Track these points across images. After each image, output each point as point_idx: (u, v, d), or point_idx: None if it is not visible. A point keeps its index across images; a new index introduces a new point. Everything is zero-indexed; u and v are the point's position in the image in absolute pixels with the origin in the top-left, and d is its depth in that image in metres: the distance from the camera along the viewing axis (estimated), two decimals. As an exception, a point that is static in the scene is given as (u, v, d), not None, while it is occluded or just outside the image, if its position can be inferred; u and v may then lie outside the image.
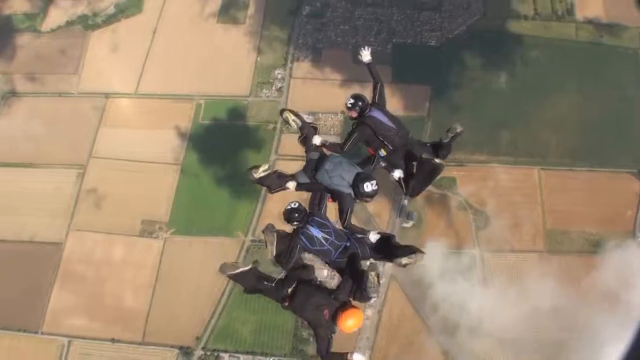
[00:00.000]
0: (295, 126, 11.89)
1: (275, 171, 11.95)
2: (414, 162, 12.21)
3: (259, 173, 11.68)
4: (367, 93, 13.06)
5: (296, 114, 11.98)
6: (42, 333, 41.55)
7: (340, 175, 11.23)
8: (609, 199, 40.33)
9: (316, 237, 10.91)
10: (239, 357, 39.74)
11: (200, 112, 47.39)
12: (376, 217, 40.69)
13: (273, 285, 11.61)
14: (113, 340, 40.69)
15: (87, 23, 51.66)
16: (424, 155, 11.86)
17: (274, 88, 47.81)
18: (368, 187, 11.12)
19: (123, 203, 44.43)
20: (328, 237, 10.94)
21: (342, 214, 11.42)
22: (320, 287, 11.44)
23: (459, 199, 41.58)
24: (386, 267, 39.88)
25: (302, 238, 10.99)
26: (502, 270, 39.62)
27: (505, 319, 37.08)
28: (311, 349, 38.98)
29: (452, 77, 45.20)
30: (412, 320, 39.07)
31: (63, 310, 41.93)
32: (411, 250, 10.80)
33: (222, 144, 45.70)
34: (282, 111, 12.25)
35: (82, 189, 45.48)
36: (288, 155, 44.13)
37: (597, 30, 46.76)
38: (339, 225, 11.38)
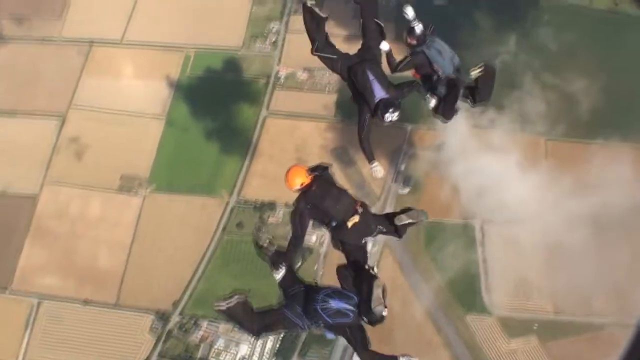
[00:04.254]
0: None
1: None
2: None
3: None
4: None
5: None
6: (11, 292, 39.42)
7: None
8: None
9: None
10: (218, 326, 37.51)
11: (189, 63, 44.80)
12: (371, 181, 38.02)
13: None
14: (85, 302, 38.55)
15: (76, -35, 48.34)
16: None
17: (268, 41, 45.08)
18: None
19: (102, 156, 42.05)
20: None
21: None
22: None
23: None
24: (379, 238, 37.57)
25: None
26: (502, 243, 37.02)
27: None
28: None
29: (459, 37, 42.06)
30: (402, 289, 36.70)
31: (34, 268, 39.73)
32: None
33: (211, 97, 43.22)
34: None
35: (60, 140, 43.00)
36: (280, 112, 42.31)
37: (614, -3, 43.63)
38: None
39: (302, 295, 9.81)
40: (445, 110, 11.36)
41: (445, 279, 36.90)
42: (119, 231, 39.93)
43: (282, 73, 43.73)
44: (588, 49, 40.89)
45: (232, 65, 44.29)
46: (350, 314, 9.32)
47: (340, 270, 10.31)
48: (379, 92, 10.48)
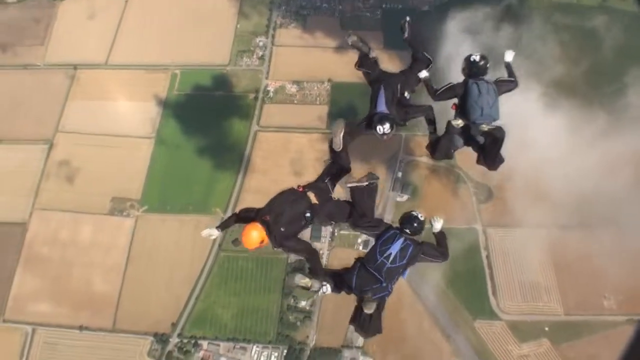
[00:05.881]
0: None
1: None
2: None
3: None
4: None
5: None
6: (4, 321, 38.00)
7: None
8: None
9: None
10: (219, 345, 36.64)
11: (176, 82, 44.22)
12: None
13: None
14: (81, 328, 37.31)
15: (56, -8, 47.85)
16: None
17: (255, 56, 44.71)
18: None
19: (91, 180, 41.09)
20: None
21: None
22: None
23: (458, 171, 38.34)
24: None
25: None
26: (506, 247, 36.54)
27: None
28: (298, 335, 35.99)
29: (446, 43, 41.71)
30: (407, 297, 35.93)
31: (27, 296, 38.41)
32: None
33: (199, 116, 42.49)
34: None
35: (49, 166, 42.02)
36: (270, 127, 41.64)
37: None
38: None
39: (365, 273, 10.11)
40: (487, 160, 11.51)
41: (451, 285, 36.18)
42: (112, 254, 38.89)
43: (272, 87, 43.28)
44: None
45: (220, 81, 43.81)
46: (410, 243, 10.16)
47: (356, 223, 10.68)
48: (381, 107, 10.94)
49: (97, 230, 39.69)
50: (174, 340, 36.63)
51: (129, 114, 43.27)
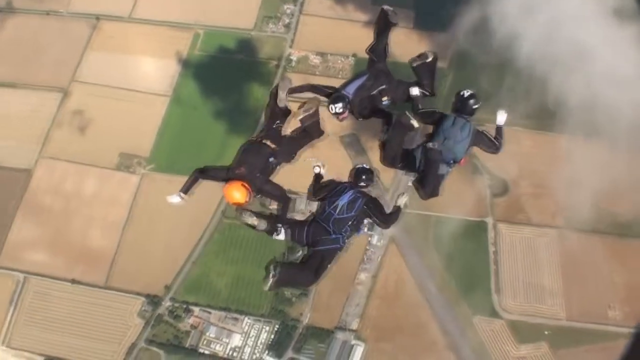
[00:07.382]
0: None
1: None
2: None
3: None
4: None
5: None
6: (-2, 266, 37.78)
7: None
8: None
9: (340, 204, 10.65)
10: (210, 313, 35.96)
11: (198, 42, 43.34)
12: (380, 172, 36.18)
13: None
14: (73, 281, 36.87)
15: (88, -63, 46.98)
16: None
17: (281, 23, 43.61)
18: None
19: (102, 132, 40.47)
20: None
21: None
22: None
23: (475, 162, 36.95)
24: (385, 231, 35.85)
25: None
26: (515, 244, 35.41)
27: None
28: (293, 311, 35.19)
29: (482, 27, 40.04)
30: (407, 286, 34.99)
31: (23, 243, 38.04)
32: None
33: (219, 78, 41.59)
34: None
35: (61, 114, 41.47)
36: (290, 95, 40.03)
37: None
38: None
39: (317, 225, 10.45)
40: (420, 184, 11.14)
41: (454, 278, 35.12)
42: (113, 210, 38.34)
43: (295, 56, 42.21)
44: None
45: (242, 45, 42.84)
46: (359, 196, 10.59)
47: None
48: (348, 89, 11.14)
49: (101, 184, 39.16)
50: (166, 303, 36.04)
51: (147, 69, 42.60)
